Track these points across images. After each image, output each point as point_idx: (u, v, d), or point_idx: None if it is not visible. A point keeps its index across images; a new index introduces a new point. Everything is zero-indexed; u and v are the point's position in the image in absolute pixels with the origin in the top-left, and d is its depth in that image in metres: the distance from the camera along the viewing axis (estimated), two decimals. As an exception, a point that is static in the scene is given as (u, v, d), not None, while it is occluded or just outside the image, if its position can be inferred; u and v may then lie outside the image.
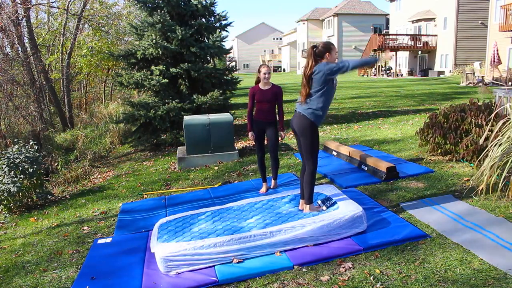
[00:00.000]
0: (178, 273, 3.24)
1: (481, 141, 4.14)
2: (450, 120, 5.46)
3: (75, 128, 15.50)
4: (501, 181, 3.84)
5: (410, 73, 30.04)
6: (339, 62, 3.44)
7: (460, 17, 25.39)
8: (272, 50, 65.78)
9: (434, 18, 27.75)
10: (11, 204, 5.70)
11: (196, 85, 8.99)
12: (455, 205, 4.05)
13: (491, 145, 3.98)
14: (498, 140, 3.94)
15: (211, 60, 9.40)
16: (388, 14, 38.11)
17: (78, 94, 24.99)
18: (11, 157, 5.79)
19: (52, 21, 23.03)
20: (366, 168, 5.41)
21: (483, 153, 4.23)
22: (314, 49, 3.56)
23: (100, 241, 4.08)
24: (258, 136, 4.91)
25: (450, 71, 26.06)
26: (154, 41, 8.16)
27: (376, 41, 29.15)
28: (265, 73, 4.64)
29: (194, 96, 8.45)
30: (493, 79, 17.77)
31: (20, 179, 5.66)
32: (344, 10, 41.85)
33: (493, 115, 4.27)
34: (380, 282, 2.86)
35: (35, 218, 5.38)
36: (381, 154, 6.26)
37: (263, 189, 5.04)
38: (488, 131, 4.57)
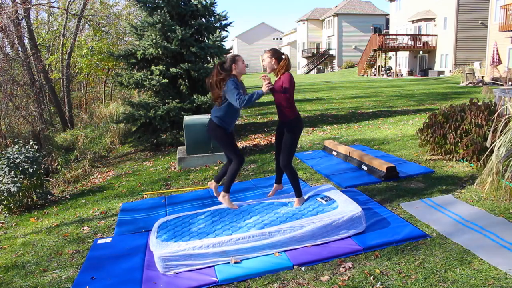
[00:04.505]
0: (176, 273, 3.24)
1: (488, 143, 4.13)
2: (450, 120, 5.46)
3: (75, 128, 15.51)
4: (504, 182, 3.84)
5: (410, 73, 30.03)
6: (238, 98, 3.66)
7: (460, 17, 25.38)
8: (272, 50, 65.65)
9: (434, 18, 27.74)
10: (11, 204, 5.70)
11: (196, 85, 8.99)
12: (455, 205, 4.05)
13: (494, 145, 3.98)
14: (500, 140, 3.94)
15: (211, 60, 9.39)
16: (388, 14, 38.11)
17: (78, 94, 25.00)
18: (11, 157, 5.79)
19: (52, 21, 23.03)
20: (366, 168, 5.41)
21: (485, 154, 4.23)
22: (223, 64, 3.82)
23: (100, 241, 4.08)
24: (276, 137, 4.10)
25: (450, 71, 26.06)
26: (154, 41, 8.15)
27: (376, 41, 29.15)
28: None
29: (194, 96, 8.45)
30: (493, 79, 17.77)
31: (20, 179, 5.66)
32: (344, 10, 41.85)
33: (495, 115, 4.26)
34: (380, 282, 2.86)
35: (35, 218, 5.38)
36: (381, 154, 6.26)
37: (271, 193, 4.52)
38: (489, 131, 4.57)
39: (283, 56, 3.84)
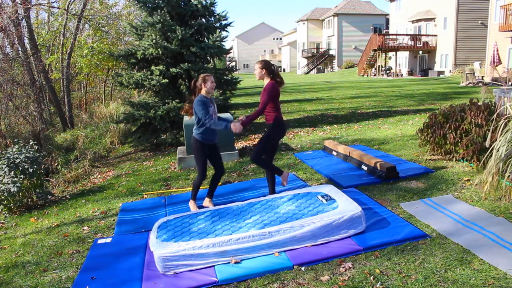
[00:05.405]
0: (176, 273, 3.25)
1: (487, 144, 4.13)
2: (450, 120, 5.46)
3: (75, 128, 15.50)
4: (503, 182, 3.84)
5: (410, 73, 30.04)
6: (205, 118, 4.21)
7: (460, 17, 25.40)
8: (272, 50, 65.83)
9: (434, 18, 27.76)
10: (11, 204, 5.70)
11: (196, 85, 8.98)
12: (455, 205, 4.05)
13: (494, 146, 3.98)
14: (500, 140, 3.94)
15: (211, 60, 9.39)
16: (388, 14, 38.13)
17: (78, 94, 24.99)
18: (11, 157, 5.79)
19: (52, 21, 23.03)
20: (366, 168, 5.41)
21: (486, 154, 4.23)
22: (195, 82, 4.34)
23: (100, 241, 4.09)
24: None
25: (450, 71, 26.07)
26: (154, 41, 8.15)
27: (376, 41, 29.17)
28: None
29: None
30: (493, 79, 17.77)
31: (20, 179, 5.66)
32: (344, 10, 41.87)
33: (495, 115, 4.27)
34: (380, 282, 2.86)
35: (35, 218, 5.38)
36: (381, 154, 6.26)
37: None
38: (489, 131, 4.57)
39: (273, 68, 4.24)
